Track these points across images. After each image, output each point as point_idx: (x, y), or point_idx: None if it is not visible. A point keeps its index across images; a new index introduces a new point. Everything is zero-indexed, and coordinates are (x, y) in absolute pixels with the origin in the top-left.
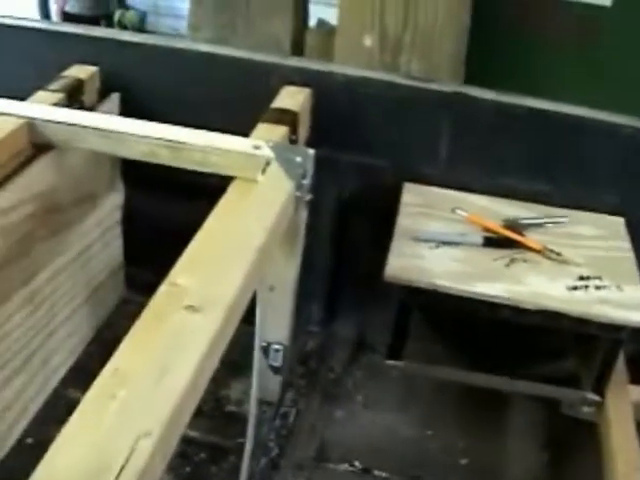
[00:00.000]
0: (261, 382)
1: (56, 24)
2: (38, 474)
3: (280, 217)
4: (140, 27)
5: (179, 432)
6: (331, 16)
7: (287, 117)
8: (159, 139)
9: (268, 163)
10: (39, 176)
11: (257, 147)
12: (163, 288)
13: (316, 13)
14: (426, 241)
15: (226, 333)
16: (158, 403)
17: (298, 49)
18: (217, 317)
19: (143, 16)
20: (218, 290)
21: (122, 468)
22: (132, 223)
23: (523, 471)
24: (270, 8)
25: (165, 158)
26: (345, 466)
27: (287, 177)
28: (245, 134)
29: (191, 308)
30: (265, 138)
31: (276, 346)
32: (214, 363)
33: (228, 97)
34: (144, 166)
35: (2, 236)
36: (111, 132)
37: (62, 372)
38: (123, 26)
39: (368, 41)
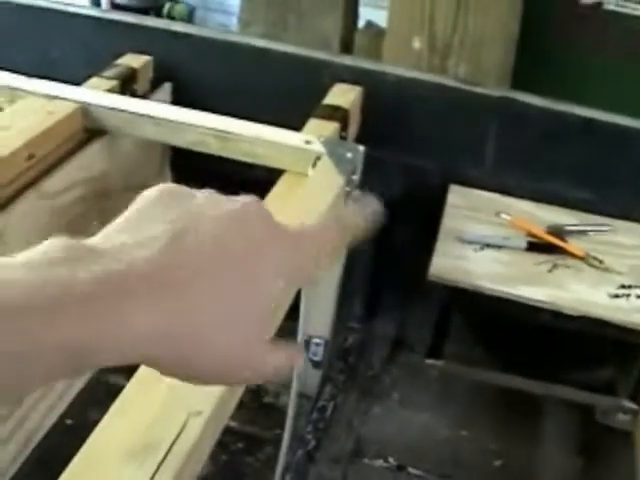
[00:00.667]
0: (301, 375)
1: (109, 12)
2: (86, 449)
3: (330, 211)
4: (189, 21)
5: (228, 413)
6: (380, 18)
7: (338, 114)
8: (210, 129)
9: (319, 158)
10: (91, 161)
11: (308, 142)
12: None
13: (365, 15)
14: (470, 243)
15: (275, 319)
16: None
17: (347, 49)
18: None
19: (192, 10)
20: None
21: (172, 445)
22: None
23: (556, 476)
24: (321, 6)
25: (215, 148)
26: (380, 462)
27: (337, 172)
28: (294, 128)
29: None
30: (316, 133)
31: (317, 340)
32: None
33: (278, 92)
34: (193, 157)
35: (53, 218)
36: (163, 120)
37: None
38: (171, 19)
39: (417, 43)
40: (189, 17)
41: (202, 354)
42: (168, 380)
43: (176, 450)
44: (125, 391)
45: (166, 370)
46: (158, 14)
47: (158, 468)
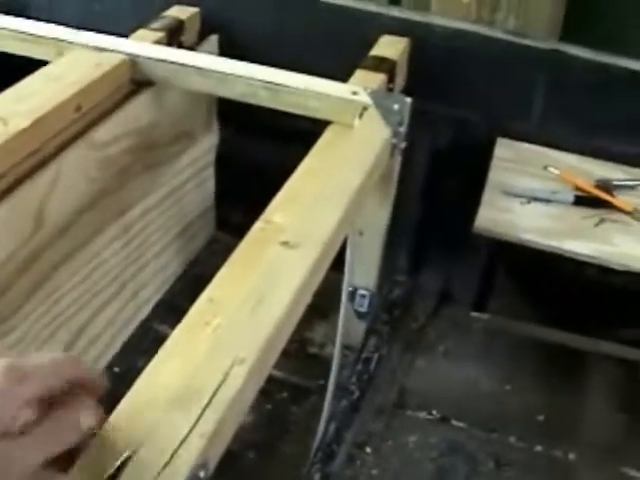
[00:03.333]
0: (345, 327)
1: None
2: (132, 394)
3: (376, 162)
4: None
5: (271, 362)
6: None
7: (385, 65)
8: (259, 80)
9: (365, 109)
10: (138, 112)
11: (355, 93)
12: (258, 224)
13: None
14: (517, 196)
15: (320, 270)
16: (253, 331)
17: (396, 0)
18: (312, 253)
19: None
20: (314, 228)
21: (215, 392)
22: (224, 164)
23: (599, 431)
24: None
25: (264, 99)
26: (424, 414)
27: (384, 124)
28: (341, 79)
29: (286, 244)
30: (363, 84)
31: (362, 291)
32: (307, 299)
33: (326, 43)
34: (239, 108)
35: (100, 169)
36: (212, 71)
37: (151, 305)
38: None
39: None
40: None
41: None
42: (213, 326)
43: (220, 397)
44: (171, 338)
45: None
46: None
47: (202, 414)
